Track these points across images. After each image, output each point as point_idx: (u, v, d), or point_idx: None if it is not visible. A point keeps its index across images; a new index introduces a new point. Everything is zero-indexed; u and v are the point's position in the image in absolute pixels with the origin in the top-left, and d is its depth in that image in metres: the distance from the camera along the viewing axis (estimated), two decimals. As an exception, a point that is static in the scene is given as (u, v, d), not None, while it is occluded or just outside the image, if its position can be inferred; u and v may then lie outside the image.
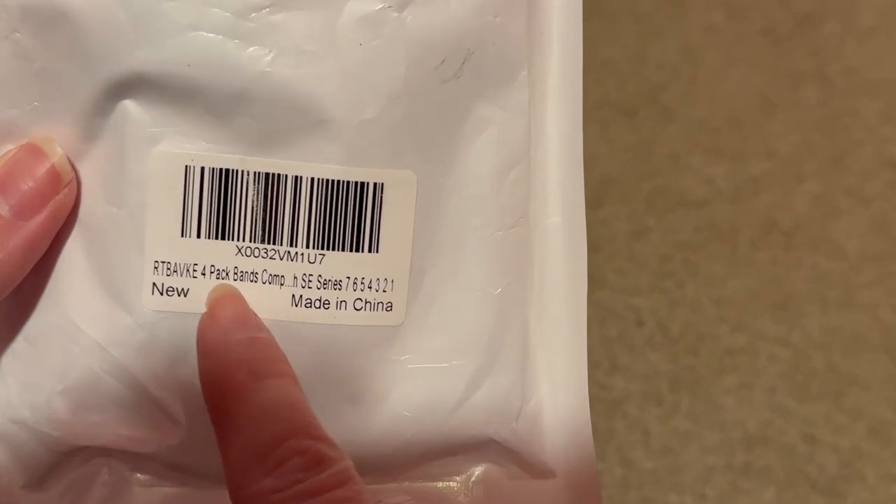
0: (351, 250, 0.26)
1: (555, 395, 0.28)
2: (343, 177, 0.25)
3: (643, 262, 0.49)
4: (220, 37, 0.24)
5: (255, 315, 0.25)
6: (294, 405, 0.23)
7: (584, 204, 0.27)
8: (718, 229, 0.50)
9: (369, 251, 0.26)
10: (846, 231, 0.50)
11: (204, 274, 0.26)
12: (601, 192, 0.49)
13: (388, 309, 0.26)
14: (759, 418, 0.47)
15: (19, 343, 0.26)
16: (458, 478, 0.28)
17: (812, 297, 0.49)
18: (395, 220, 0.26)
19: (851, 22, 0.53)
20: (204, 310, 0.25)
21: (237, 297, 0.25)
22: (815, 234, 0.50)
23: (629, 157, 0.50)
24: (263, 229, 0.25)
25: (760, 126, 0.52)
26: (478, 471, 0.28)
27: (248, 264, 0.26)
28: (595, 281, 0.47)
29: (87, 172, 0.26)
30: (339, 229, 0.26)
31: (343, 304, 0.26)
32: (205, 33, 0.24)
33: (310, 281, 0.26)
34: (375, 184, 0.26)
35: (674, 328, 0.48)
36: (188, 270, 0.25)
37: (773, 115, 0.52)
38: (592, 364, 0.47)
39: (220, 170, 0.25)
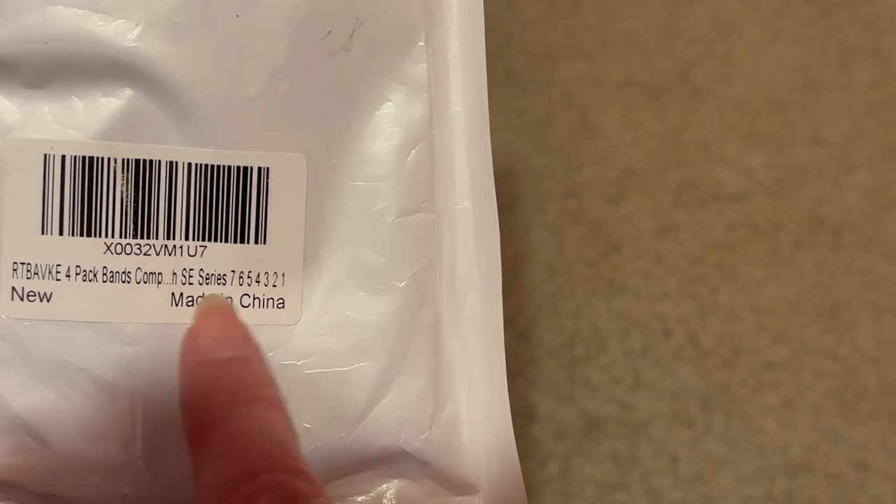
0: (235, 241, 0.27)
1: (473, 401, 0.28)
2: (223, 161, 0.26)
3: (671, 264, 0.48)
4: (81, 10, 0.25)
5: (244, 329, 0.26)
6: (271, 434, 0.24)
7: (493, 188, 0.27)
8: (757, 227, 0.49)
9: (256, 242, 0.27)
10: (904, 228, 0.49)
11: (69, 276, 0.26)
12: (623, 185, 0.49)
13: (281, 306, 0.27)
14: (803, 442, 0.46)
15: None
16: (367, 497, 0.28)
17: (864, 304, 0.48)
18: (284, 207, 0.27)
19: (915, -13, 0.52)
20: (73, 317, 0.26)
21: (225, 310, 0.26)
22: (867, 232, 0.49)
23: (655, 144, 0.50)
24: (136, 223, 0.26)
25: (805, 109, 0.51)
26: (390, 488, 0.28)
27: (118, 263, 0.26)
28: (616, 286, 0.47)
29: None
30: (222, 218, 0.26)
31: (228, 300, 0.27)
32: (63, 7, 0.25)
33: (190, 276, 0.26)
34: (260, 168, 0.26)
35: (706, 340, 0.48)
36: (50, 272, 0.26)
37: (820, 97, 0.51)
38: (613, 381, 0.47)
39: (84, 158, 0.26)
